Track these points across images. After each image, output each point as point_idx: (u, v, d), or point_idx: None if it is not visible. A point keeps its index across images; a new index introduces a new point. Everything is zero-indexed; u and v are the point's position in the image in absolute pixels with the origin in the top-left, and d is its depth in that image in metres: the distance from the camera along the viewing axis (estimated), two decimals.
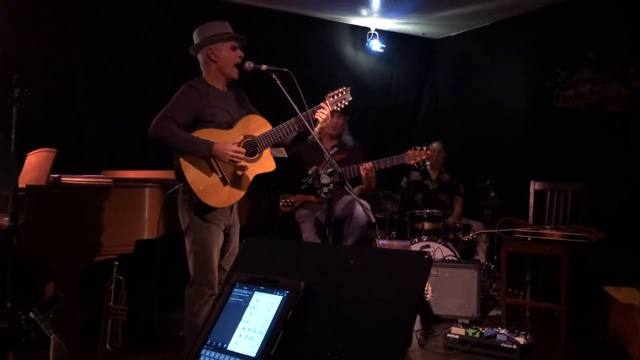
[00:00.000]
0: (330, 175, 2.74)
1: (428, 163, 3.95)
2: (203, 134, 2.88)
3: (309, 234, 4.15)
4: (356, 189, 4.04)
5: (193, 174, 2.83)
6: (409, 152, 3.81)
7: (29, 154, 3.85)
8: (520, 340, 3.43)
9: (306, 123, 2.93)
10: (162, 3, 5.21)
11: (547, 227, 4.25)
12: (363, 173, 3.76)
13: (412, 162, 3.79)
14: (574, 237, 3.93)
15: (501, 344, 3.45)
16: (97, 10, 4.95)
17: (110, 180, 3.38)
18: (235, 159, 2.87)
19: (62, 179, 3.69)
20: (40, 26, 4.73)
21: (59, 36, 4.81)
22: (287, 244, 1.51)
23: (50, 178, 3.56)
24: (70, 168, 3.91)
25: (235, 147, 2.87)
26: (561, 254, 3.95)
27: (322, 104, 3.11)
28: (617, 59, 4.93)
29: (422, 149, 3.80)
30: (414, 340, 3.77)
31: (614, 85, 4.93)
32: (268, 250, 1.35)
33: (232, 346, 1.18)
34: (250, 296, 1.24)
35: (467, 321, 3.77)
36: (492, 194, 5.21)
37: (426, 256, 1.10)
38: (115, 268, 3.02)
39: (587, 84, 5.15)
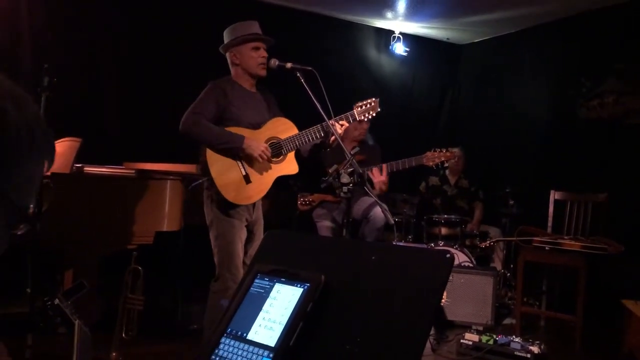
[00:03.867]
0: (350, 175, 2.75)
1: (447, 166, 3.92)
2: (231, 130, 2.92)
3: (324, 233, 4.16)
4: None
5: (218, 170, 2.87)
6: (428, 153, 3.79)
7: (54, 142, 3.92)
8: (535, 349, 3.40)
9: (332, 130, 2.94)
10: (189, 2, 5.25)
11: (566, 237, 4.21)
12: (374, 177, 3.74)
13: (431, 163, 3.77)
14: (592, 248, 3.89)
15: (515, 352, 3.42)
16: (125, 4, 5.02)
17: (132, 171, 3.44)
18: (264, 156, 2.90)
19: (85, 168, 3.76)
20: (69, 19, 4.82)
21: (87, 29, 4.89)
22: (309, 238, 1.52)
23: (74, 167, 3.62)
24: (93, 158, 3.98)
25: (265, 145, 2.91)
26: (579, 264, 3.91)
27: (349, 112, 3.10)
28: None
29: (441, 151, 3.78)
30: (427, 345, 3.76)
31: (639, 98, 4.87)
32: (290, 242, 1.36)
33: (251, 335, 1.20)
34: (271, 287, 1.25)
35: (480, 328, 3.75)
36: (512, 202, 5.17)
37: (448, 255, 1.11)
38: (134, 258, 3.05)
39: (612, 96, 5.10)
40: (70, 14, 4.82)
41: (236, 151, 2.88)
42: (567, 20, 5.51)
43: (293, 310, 1.18)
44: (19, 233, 0.81)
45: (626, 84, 5.01)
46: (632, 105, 4.93)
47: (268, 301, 1.23)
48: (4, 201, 0.74)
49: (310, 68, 2.96)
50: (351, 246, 1.31)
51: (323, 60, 5.75)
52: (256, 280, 1.28)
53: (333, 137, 3.07)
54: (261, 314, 1.21)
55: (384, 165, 3.78)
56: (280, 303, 1.21)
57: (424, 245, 4.38)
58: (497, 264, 5.27)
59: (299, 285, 1.21)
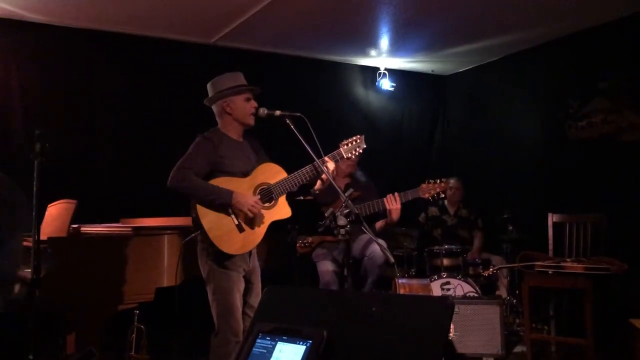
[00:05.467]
0: (346, 216, 2.75)
1: (443, 196, 3.93)
2: (220, 182, 2.93)
3: (326, 273, 4.14)
4: (379, 223, 4.05)
5: (210, 222, 2.87)
6: (423, 185, 3.81)
7: (49, 205, 3.93)
8: None
9: (322, 168, 2.97)
10: (176, 54, 5.35)
11: (568, 259, 4.19)
12: (388, 205, 3.77)
13: (427, 195, 3.79)
14: (595, 269, 3.87)
15: None
16: (113, 64, 5.10)
17: (129, 228, 3.43)
18: (254, 210, 2.90)
19: (82, 229, 3.75)
20: (60, 82, 4.90)
21: (78, 90, 4.97)
22: (309, 292, 1.52)
23: (71, 229, 3.62)
24: (90, 217, 3.98)
25: (254, 198, 2.92)
26: (584, 286, 3.88)
27: (335, 151, 3.14)
28: (628, 89, 4.93)
29: (435, 182, 3.80)
30: None
31: (627, 115, 4.92)
32: (290, 298, 1.36)
33: None
34: (274, 346, 1.24)
35: (492, 359, 3.69)
36: (511, 228, 5.16)
37: (448, 301, 1.11)
38: (136, 317, 3.03)
39: (600, 114, 5.15)
40: (59, 78, 4.90)
41: (226, 207, 2.89)
42: (548, 44, 5.61)
43: None
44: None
45: (612, 102, 5.07)
46: (620, 123, 4.98)
47: None
48: None
49: (299, 114, 3.00)
50: (351, 298, 1.31)
51: (311, 101, 5.84)
52: (258, 340, 1.27)
53: (325, 177, 3.10)
54: None
55: (397, 194, 3.80)
56: None
57: (427, 280, 4.35)
58: (502, 292, 5.22)
59: (301, 343, 1.20)
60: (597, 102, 5.18)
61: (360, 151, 3.21)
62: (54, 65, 4.87)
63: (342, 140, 3.25)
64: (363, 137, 3.23)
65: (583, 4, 4.66)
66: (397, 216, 3.81)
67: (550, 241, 4.63)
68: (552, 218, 4.67)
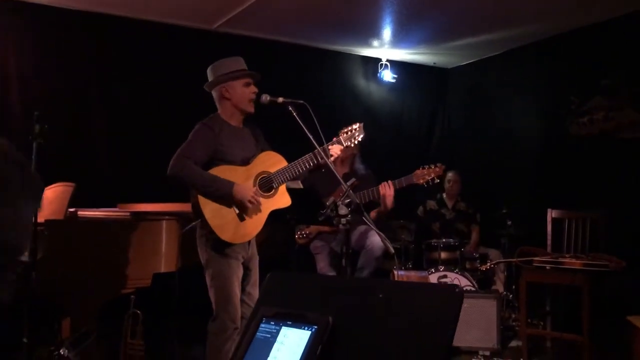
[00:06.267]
0: (347, 206, 2.73)
1: (438, 181, 3.87)
2: (220, 171, 2.90)
3: (323, 265, 4.13)
4: (372, 213, 4.03)
5: (210, 211, 2.85)
6: (417, 171, 3.78)
7: (46, 188, 3.88)
8: None
9: (324, 156, 2.94)
10: (177, 39, 5.30)
11: (567, 255, 4.18)
12: (382, 191, 3.74)
13: (422, 181, 3.75)
14: (594, 265, 3.86)
15: None
16: (113, 48, 5.05)
17: (127, 213, 3.40)
18: (254, 201, 2.88)
19: (79, 212, 3.72)
20: (59, 65, 4.85)
21: (75, 73, 4.91)
22: (313, 277, 1.49)
23: (68, 212, 3.58)
24: (87, 201, 3.95)
25: (254, 189, 2.90)
26: (582, 283, 3.88)
27: (335, 139, 3.12)
28: (629, 86, 4.92)
29: (430, 167, 3.77)
30: None
31: (628, 112, 4.91)
32: (294, 283, 1.33)
33: None
34: (278, 331, 1.22)
35: (487, 353, 3.69)
36: (509, 223, 5.15)
37: (457, 290, 1.09)
38: (132, 302, 3.00)
39: (601, 111, 5.13)
40: (58, 60, 4.84)
41: (226, 197, 2.87)
42: (551, 40, 5.58)
43: (302, 355, 1.14)
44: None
45: (613, 100, 5.05)
46: (621, 120, 4.97)
47: (275, 346, 1.19)
48: None
49: (302, 101, 2.96)
50: (357, 285, 1.28)
51: (312, 91, 5.80)
52: (262, 325, 1.24)
53: (324, 161, 3.07)
54: None
55: (391, 182, 3.77)
56: (289, 347, 1.17)
57: (426, 272, 4.34)
58: (499, 286, 5.22)
59: (306, 328, 1.18)
60: (598, 99, 5.17)
61: (360, 139, 3.18)
62: (52, 48, 4.81)
63: (342, 129, 3.22)
64: (362, 125, 3.20)
65: (587, 1, 4.63)
66: (390, 203, 3.77)
67: (549, 237, 4.62)
68: (551, 214, 4.66)
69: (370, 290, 1.17)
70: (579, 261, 3.96)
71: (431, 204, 5.64)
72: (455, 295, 1.08)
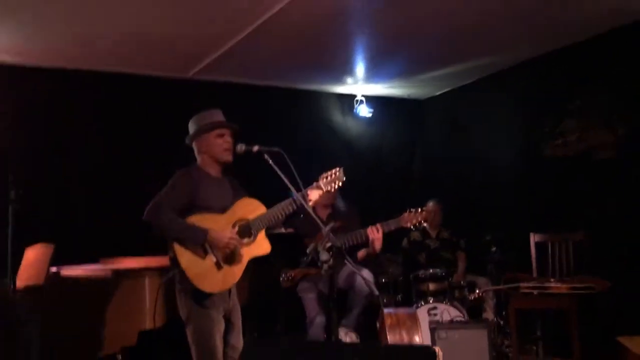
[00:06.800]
0: (329, 250, 2.73)
1: (425, 224, 3.95)
2: (199, 219, 2.90)
3: (312, 307, 4.10)
4: (361, 253, 4.04)
5: (187, 260, 2.84)
6: (405, 215, 3.85)
7: (27, 248, 3.85)
8: None
9: (303, 202, 2.96)
10: (153, 89, 5.33)
11: (552, 279, 4.22)
12: (370, 235, 3.77)
13: (409, 224, 3.82)
14: (579, 288, 3.89)
15: None
16: (88, 103, 5.06)
17: (109, 271, 3.37)
18: (230, 246, 2.87)
19: (62, 272, 3.68)
20: (34, 121, 4.84)
21: (52, 130, 4.91)
22: (289, 343, 1.49)
23: (50, 272, 3.55)
24: (70, 258, 3.91)
25: (230, 234, 2.89)
26: (569, 306, 3.90)
27: (315, 184, 3.15)
28: (600, 108, 5.00)
29: (417, 211, 3.83)
30: None
31: (600, 133, 4.98)
32: (270, 349, 1.33)
33: None
34: None
35: None
36: (494, 249, 5.16)
37: (430, 350, 1.09)
38: None
39: (574, 133, 5.22)
40: (34, 116, 4.84)
41: (201, 244, 2.86)
42: (520, 65, 5.68)
43: None
44: None
45: (584, 121, 5.13)
46: (594, 141, 5.04)
47: None
48: None
49: (277, 149, 2.99)
50: (333, 349, 1.28)
51: (290, 131, 5.86)
52: None
53: (312, 204, 3.08)
54: None
55: (379, 225, 3.80)
56: None
57: (413, 308, 4.34)
58: (489, 313, 5.21)
59: None
60: (570, 121, 5.25)
61: (340, 184, 3.21)
62: (27, 106, 4.80)
63: (322, 173, 3.25)
64: (342, 169, 3.23)
65: (552, 27, 4.76)
66: (379, 246, 3.83)
67: (534, 261, 4.66)
68: (533, 238, 4.71)
69: (346, 355, 1.17)
70: (564, 285, 3.99)
71: (415, 235, 5.66)
72: (429, 354, 1.09)
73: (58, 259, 3.69)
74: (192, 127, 3.11)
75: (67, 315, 3.08)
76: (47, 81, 4.91)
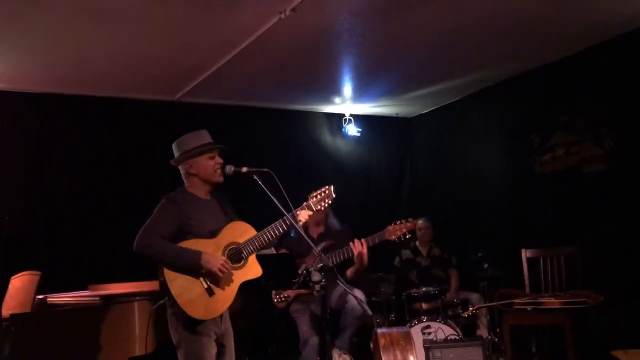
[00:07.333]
0: (320, 271, 2.71)
1: (409, 236, 3.91)
2: (188, 244, 2.86)
3: (306, 328, 4.05)
4: (349, 271, 4.00)
5: (178, 287, 2.79)
6: (389, 227, 3.83)
7: (12, 277, 3.78)
8: None
9: (293, 222, 2.93)
10: (140, 113, 5.32)
11: (545, 295, 4.20)
12: (355, 250, 3.75)
13: (394, 237, 3.79)
14: (573, 303, 3.88)
15: None
16: (76, 129, 5.03)
17: (97, 297, 3.31)
18: (224, 270, 2.84)
19: (49, 299, 3.62)
20: (20, 147, 4.80)
21: (39, 156, 4.86)
22: None
23: (36, 299, 3.49)
24: (57, 285, 3.85)
25: (223, 258, 2.86)
26: (563, 321, 3.89)
27: (305, 204, 3.12)
28: (588, 122, 5.04)
29: (402, 223, 3.80)
30: None
31: (588, 146, 5.01)
32: None
33: None
34: None
35: None
36: (486, 265, 5.14)
37: None
38: None
39: (562, 147, 5.25)
40: (20, 142, 4.79)
41: (195, 268, 2.82)
42: (508, 81, 5.72)
43: None
44: None
45: (573, 135, 5.17)
46: (583, 155, 5.06)
47: None
48: None
49: (266, 169, 2.96)
50: None
51: (279, 151, 5.85)
52: None
53: (303, 224, 3.05)
54: None
55: (364, 239, 3.78)
56: None
57: (407, 327, 4.29)
58: (483, 330, 5.18)
59: None
60: (559, 136, 5.29)
61: (330, 202, 3.18)
62: (13, 131, 4.76)
63: (311, 192, 3.22)
64: (332, 187, 3.20)
65: (538, 42, 4.80)
66: (366, 260, 3.80)
67: (526, 277, 4.65)
68: (525, 254, 4.70)
69: None
70: (557, 300, 3.98)
71: (406, 253, 5.64)
72: None
73: (46, 286, 3.63)
74: (179, 149, 3.07)
75: (55, 342, 3.01)
76: (34, 106, 4.87)
